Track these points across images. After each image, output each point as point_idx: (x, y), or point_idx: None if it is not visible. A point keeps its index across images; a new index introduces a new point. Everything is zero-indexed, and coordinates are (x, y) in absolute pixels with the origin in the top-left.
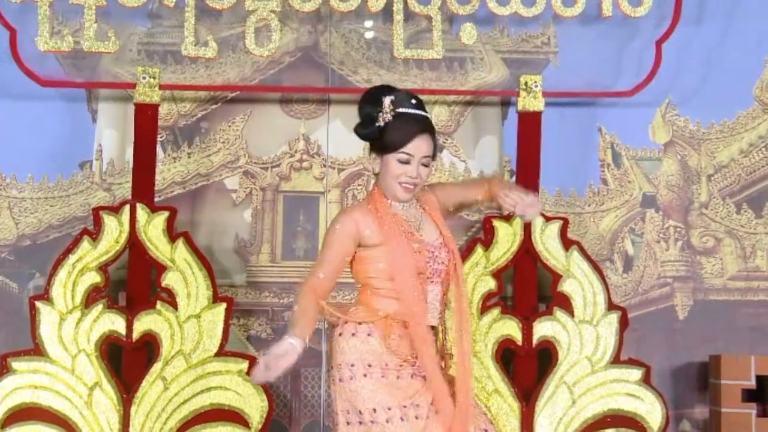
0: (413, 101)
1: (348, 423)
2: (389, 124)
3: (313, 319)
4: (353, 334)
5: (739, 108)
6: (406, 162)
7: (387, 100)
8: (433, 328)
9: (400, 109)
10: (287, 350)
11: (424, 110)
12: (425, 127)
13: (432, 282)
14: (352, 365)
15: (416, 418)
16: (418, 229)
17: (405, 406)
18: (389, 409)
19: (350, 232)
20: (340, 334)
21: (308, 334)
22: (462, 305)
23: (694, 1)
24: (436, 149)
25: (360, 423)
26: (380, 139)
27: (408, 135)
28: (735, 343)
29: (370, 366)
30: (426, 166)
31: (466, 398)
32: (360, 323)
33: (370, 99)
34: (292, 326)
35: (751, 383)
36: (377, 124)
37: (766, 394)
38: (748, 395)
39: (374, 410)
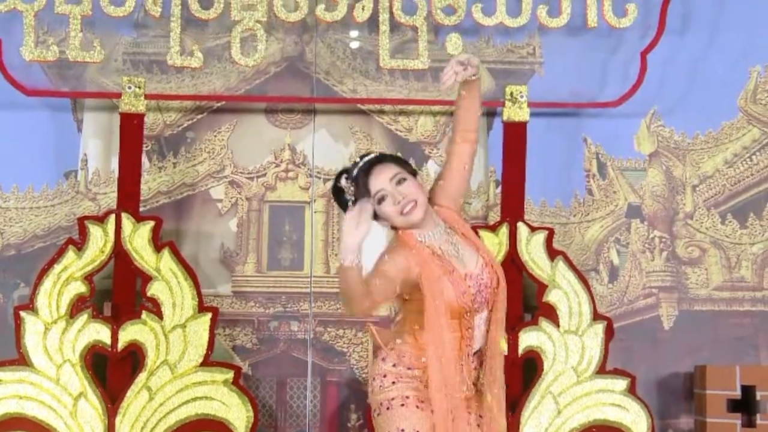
0: (358, 159)
1: None
2: (355, 187)
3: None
4: (394, 365)
5: (724, 118)
6: (383, 198)
7: (343, 181)
8: (477, 352)
9: (353, 175)
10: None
11: (374, 153)
12: (372, 162)
13: (478, 312)
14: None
15: None
16: (457, 257)
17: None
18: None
19: (401, 269)
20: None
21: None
22: (493, 335)
23: (679, 12)
24: (408, 166)
25: None
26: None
27: (364, 180)
28: (720, 353)
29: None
30: (402, 181)
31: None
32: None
33: (335, 192)
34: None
35: (736, 393)
36: (350, 200)
37: (751, 404)
38: (733, 405)
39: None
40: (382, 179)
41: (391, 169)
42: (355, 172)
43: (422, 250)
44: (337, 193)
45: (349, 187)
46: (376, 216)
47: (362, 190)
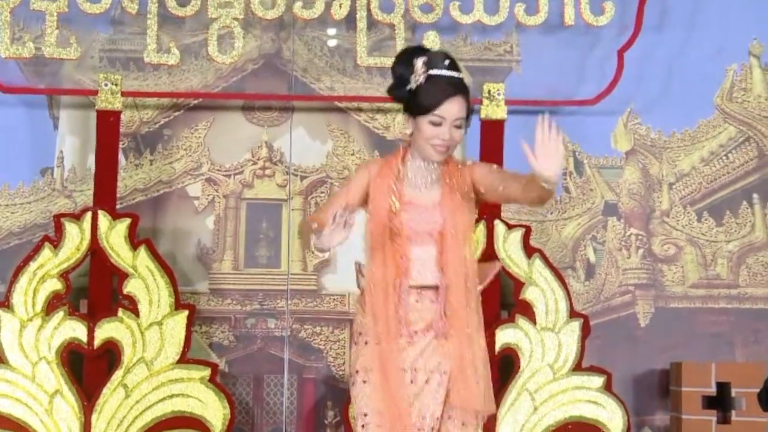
0: (446, 62)
1: None
2: (421, 86)
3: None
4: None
5: (701, 116)
6: (438, 124)
7: (419, 62)
8: (434, 288)
9: (433, 71)
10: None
11: (458, 70)
12: (458, 89)
13: (416, 243)
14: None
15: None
16: (418, 187)
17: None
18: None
19: (363, 173)
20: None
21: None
22: (448, 274)
23: (656, 10)
24: (471, 111)
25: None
26: (412, 101)
27: (440, 97)
28: (696, 350)
29: None
30: (459, 128)
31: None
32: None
33: (403, 60)
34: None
35: (712, 390)
36: (409, 87)
37: (726, 401)
38: (709, 402)
39: None
40: (449, 110)
41: (461, 110)
42: (434, 71)
43: (391, 167)
44: (404, 64)
45: (419, 76)
46: (409, 113)
47: (428, 96)
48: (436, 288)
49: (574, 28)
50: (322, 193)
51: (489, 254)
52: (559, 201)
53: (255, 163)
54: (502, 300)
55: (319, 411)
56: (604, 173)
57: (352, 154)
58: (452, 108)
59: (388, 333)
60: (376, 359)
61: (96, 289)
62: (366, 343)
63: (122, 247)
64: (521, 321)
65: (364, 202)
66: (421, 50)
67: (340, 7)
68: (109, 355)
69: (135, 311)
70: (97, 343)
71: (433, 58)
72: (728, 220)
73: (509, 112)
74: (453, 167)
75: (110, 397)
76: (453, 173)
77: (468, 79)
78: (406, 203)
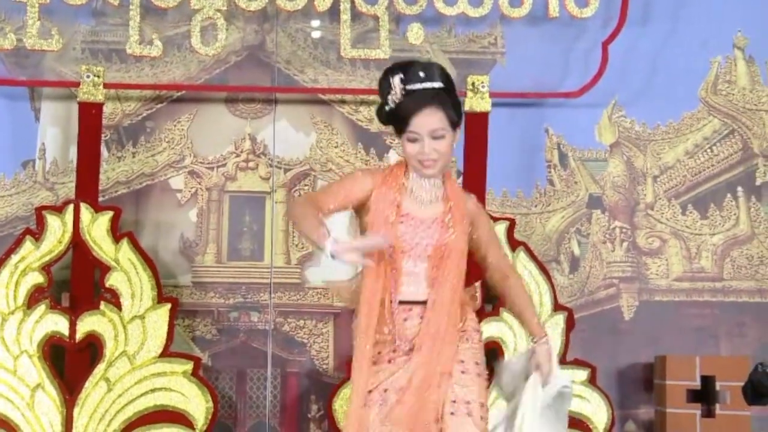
0: (422, 74)
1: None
2: (399, 104)
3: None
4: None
5: (685, 109)
6: (415, 140)
7: (396, 79)
8: (423, 304)
9: (409, 86)
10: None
11: (435, 79)
12: (431, 100)
13: (410, 257)
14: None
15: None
16: (420, 202)
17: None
18: None
19: (367, 179)
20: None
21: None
22: (436, 291)
23: (641, 2)
24: (455, 118)
25: None
26: (392, 121)
27: (409, 113)
28: (680, 343)
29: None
30: (439, 139)
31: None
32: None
33: (383, 80)
34: (311, 235)
35: (696, 384)
36: (387, 108)
37: (710, 394)
38: (693, 396)
39: None
40: (422, 124)
41: (437, 120)
42: (411, 86)
43: (396, 178)
44: (383, 85)
45: (396, 95)
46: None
47: (400, 114)
48: (424, 303)
49: (559, 20)
50: (305, 185)
51: None
52: (543, 194)
53: (238, 156)
54: (486, 293)
55: (303, 405)
56: (588, 166)
57: (336, 147)
58: (424, 121)
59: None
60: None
61: (78, 283)
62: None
63: (104, 240)
64: (505, 314)
65: (359, 206)
66: (400, 67)
67: None
68: (91, 349)
69: (117, 304)
70: (79, 336)
71: (409, 73)
72: (713, 213)
73: (493, 105)
74: (456, 189)
75: (92, 391)
76: (456, 196)
77: (454, 76)
78: (403, 216)
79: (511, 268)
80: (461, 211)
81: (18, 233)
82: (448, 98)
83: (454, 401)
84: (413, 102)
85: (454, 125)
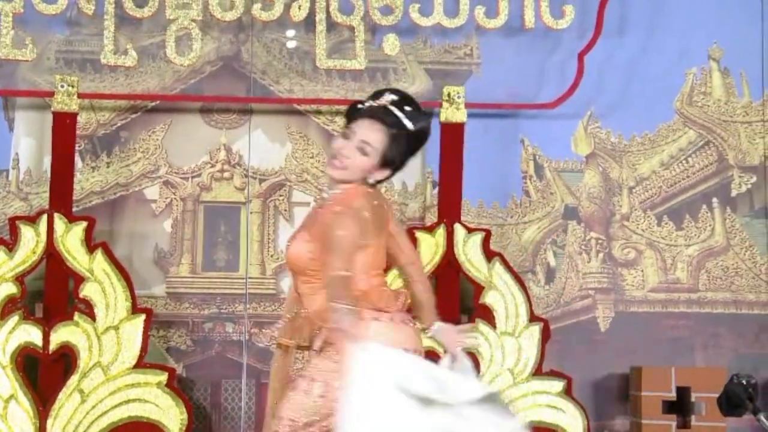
0: (383, 96)
1: None
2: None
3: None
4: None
5: (661, 120)
6: (345, 136)
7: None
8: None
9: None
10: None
11: (378, 101)
12: (370, 111)
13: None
14: None
15: None
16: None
17: None
18: None
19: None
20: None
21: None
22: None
23: (616, 13)
24: (387, 149)
25: None
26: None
27: (352, 113)
28: (656, 354)
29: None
30: (363, 153)
31: None
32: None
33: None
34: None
35: (672, 395)
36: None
37: (686, 405)
38: (669, 407)
39: None
40: (358, 127)
41: (368, 133)
42: (366, 104)
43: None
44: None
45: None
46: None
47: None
48: None
49: (534, 32)
50: (280, 196)
51: (449, 258)
52: (519, 204)
53: (213, 166)
54: (462, 304)
55: None
56: (564, 177)
57: (312, 157)
58: (358, 125)
59: None
60: None
61: (52, 293)
62: None
63: (78, 251)
64: (481, 325)
65: None
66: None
67: (299, 8)
68: (65, 360)
69: (91, 315)
70: (52, 347)
71: (370, 98)
72: (688, 225)
73: (469, 116)
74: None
75: (66, 402)
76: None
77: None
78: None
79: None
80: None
81: None
82: (387, 118)
83: None
84: (361, 109)
85: (386, 157)
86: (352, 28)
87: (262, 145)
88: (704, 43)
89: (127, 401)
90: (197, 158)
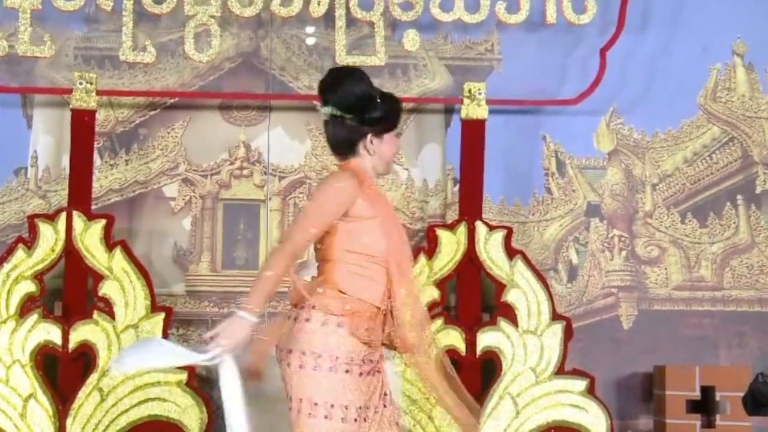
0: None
1: (299, 411)
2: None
3: (274, 291)
4: (322, 324)
5: (684, 116)
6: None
7: (379, 102)
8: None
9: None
10: (240, 325)
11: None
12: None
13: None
14: (319, 356)
15: (364, 420)
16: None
17: (359, 408)
18: (346, 407)
19: (349, 194)
20: (307, 320)
21: (262, 308)
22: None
23: (639, 8)
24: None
25: (310, 415)
26: (377, 116)
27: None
28: (679, 353)
29: (337, 359)
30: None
31: None
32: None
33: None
34: (254, 294)
35: (696, 394)
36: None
37: (710, 405)
38: (693, 406)
39: (332, 405)
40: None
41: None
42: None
43: (372, 188)
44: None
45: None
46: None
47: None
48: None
49: (556, 27)
50: (300, 193)
51: (470, 256)
52: (541, 202)
53: (232, 163)
54: (484, 302)
55: None
56: (586, 174)
57: (331, 154)
58: (393, 140)
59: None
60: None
61: (71, 291)
62: (347, 371)
63: (97, 249)
64: (503, 324)
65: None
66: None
67: (319, 4)
68: (85, 358)
69: (110, 313)
70: (72, 345)
71: (378, 106)
72: (712, 222)
73: (490, 112)
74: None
75: (85, 401)
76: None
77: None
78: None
79: None
80: None
81: (10, 241)
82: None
83: None
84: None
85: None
86: (371, 24)
87: (282, 142)
88: (728, 38)
89: (147, 400)
90: (216, 155)
